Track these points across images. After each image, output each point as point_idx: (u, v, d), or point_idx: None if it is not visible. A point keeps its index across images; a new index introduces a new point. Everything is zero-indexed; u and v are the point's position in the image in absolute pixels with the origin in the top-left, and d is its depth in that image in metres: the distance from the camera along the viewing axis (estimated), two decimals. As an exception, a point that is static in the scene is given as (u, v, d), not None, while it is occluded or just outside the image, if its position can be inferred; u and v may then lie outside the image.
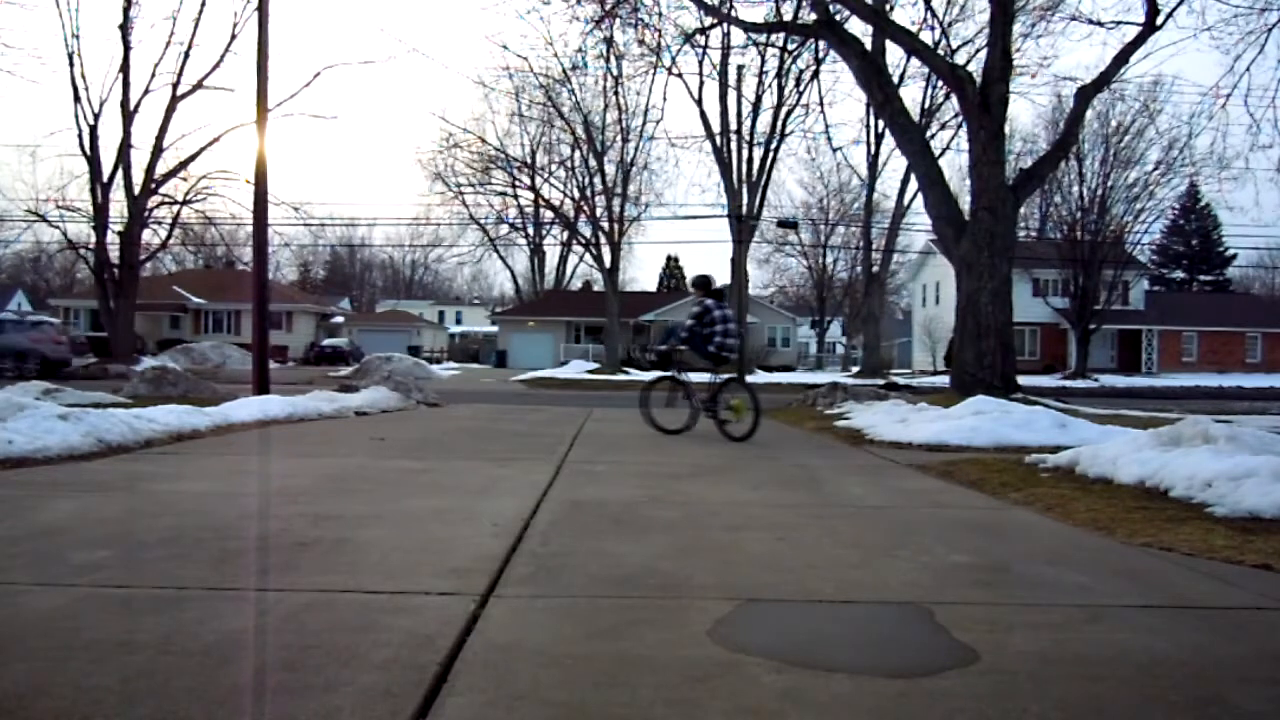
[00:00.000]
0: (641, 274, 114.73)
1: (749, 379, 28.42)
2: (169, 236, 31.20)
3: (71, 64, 28.22)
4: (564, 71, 33.99)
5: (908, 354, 55.62)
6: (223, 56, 28.29)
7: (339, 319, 60.53)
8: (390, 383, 14.35)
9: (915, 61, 26.80)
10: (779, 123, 35.97)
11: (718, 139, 36.44)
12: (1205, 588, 3.21)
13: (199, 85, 27.81)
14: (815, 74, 28.26)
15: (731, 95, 35.76)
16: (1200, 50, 38.10)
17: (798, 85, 33.56)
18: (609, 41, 22.11)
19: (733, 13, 19.65)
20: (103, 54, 71.08)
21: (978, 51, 25.57)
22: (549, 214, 45.82)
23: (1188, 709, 2.05)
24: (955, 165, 46.17)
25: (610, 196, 39.57)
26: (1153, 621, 2.74)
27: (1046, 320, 42.85)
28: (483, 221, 48.58)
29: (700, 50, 30.91)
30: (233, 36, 26.92)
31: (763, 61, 35.17)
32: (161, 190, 29.00)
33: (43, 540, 3.51)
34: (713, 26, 21.55)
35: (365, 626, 2.47)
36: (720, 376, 8.89)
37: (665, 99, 39.09)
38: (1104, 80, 16.64)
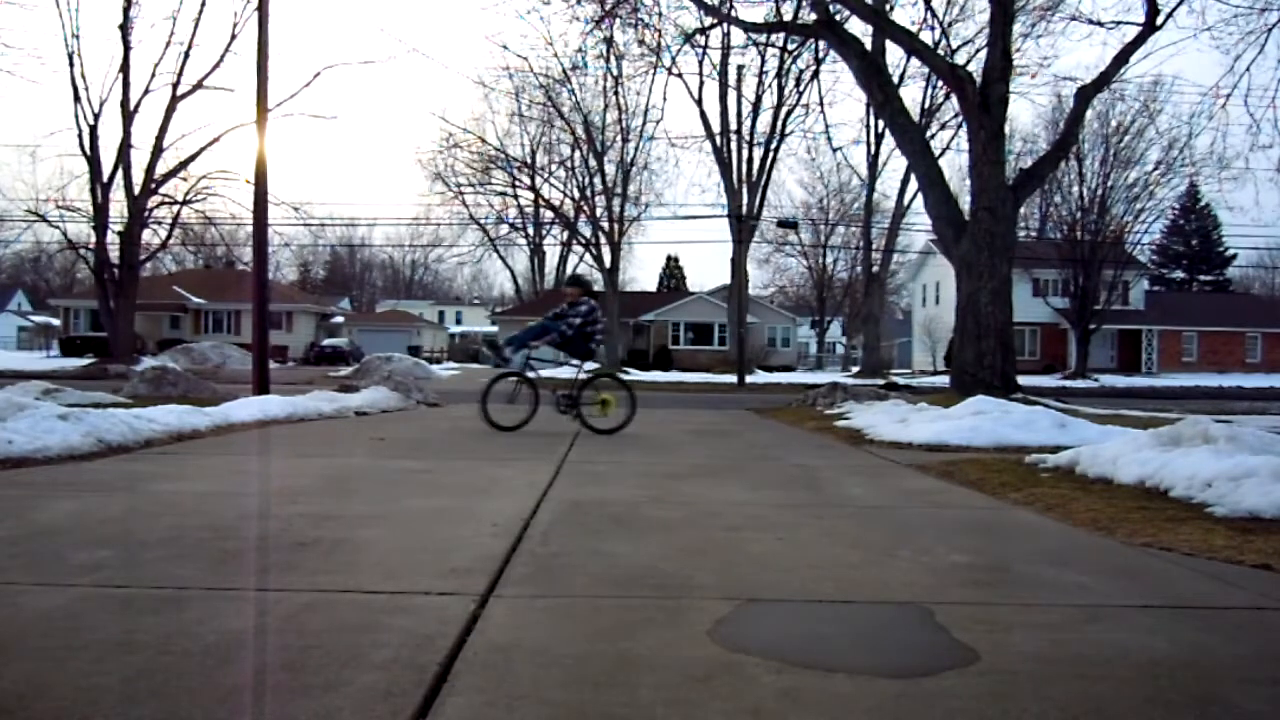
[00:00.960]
0: (641, 274, 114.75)
1: (749, 379, 28.22)
2: (169, 236, 31.26)
3: (71, 64, 28.29)
4: (564, 71, 34.08)
5: (908, 354, 55.62)
6: (223, 56, 28.33)
7: (339, 319, 60.55)
8: (390, 383, 14.35)
9: (915, 61, 26.82)
10: (779, 123, 36.06)
11: (718, 139, 36.50)
12: (1205, 588, 3.21)
13: (199, 85, 27.84)
14: (815, 74, 28.34)
15: (731, 95, 35.87)
16: (1200, 50, 38.14)
17: (798, 85, 33.67)
18: (609, 41, 22.16)
19: (733, 13, 19.67)
20: (103, 54, 71.08)
21: (978, 51, 25.64)
22: (549, 214, 45.89)
23: (1188, 709, 2.04)
24: (955, 165, 46.18)
25: (610, 196, 39.61)
26: (1153, 621, 2.74)
27: (1046, 320, 42.87)
28: (483, 221, 48.67)
29: (700, 50, 31.01)
30: (233, 36, 26.98)
31: (763, 61, 35.28)
32: (161, 190, 29.06)
33: (43, 540, 3.51)
34: (713, 26, 21.57)
35: (365, 626, 2.46)
36: (584, 373, 9.03)
37: (665, 99, 39.29)
38: (1104, 80, 16.65)
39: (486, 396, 8.96)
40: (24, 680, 2.03)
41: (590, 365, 9.26)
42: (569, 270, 58.23)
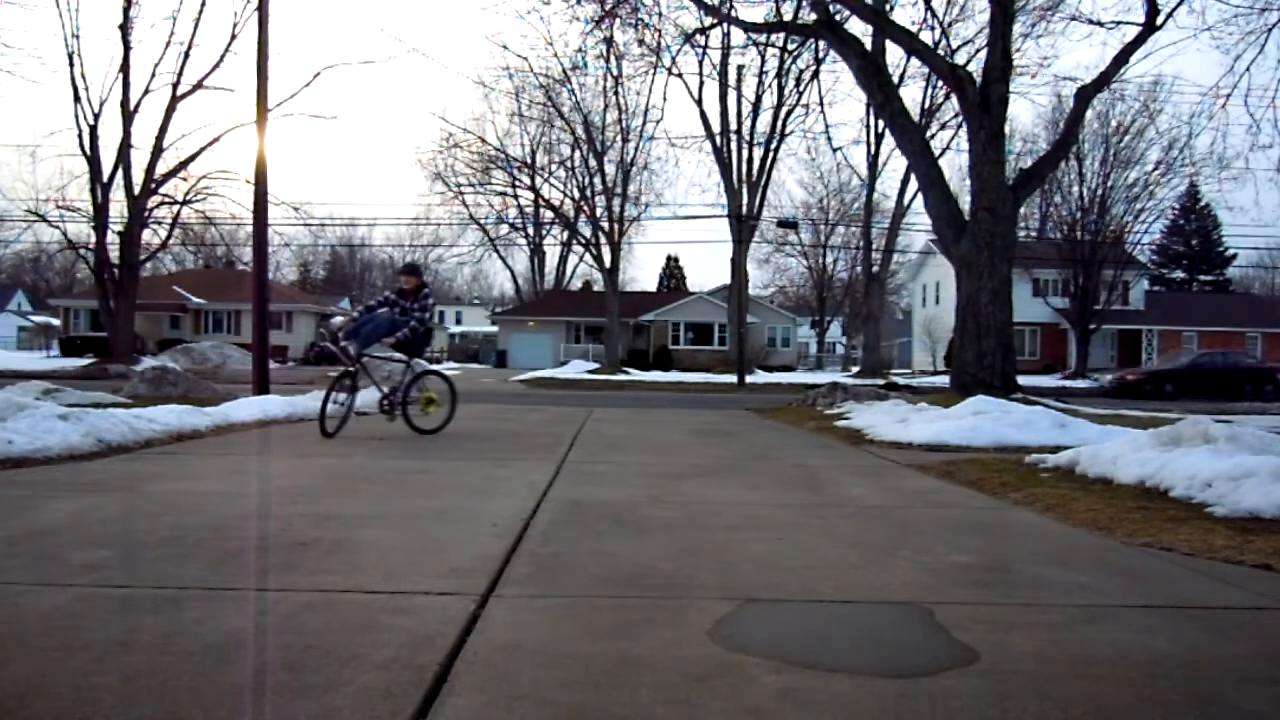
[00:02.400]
0: (641, 274, 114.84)
1: (749, 379, 28.05)
2: (169, 236, 31.26)
3: (71, 64, 28.27)
4: (564, 71, 34.05)
5: (908, 354, 55.62)
6: (223, 56, 28.32)
7: (339, 319, 60.42)
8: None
9: (915, 61, 26.81)
10: (779, 123, 36.05)
11: (718, 139, 36.49)
12: (1205, 588, 3.21)
13: (199, 85, 27.82)
14: (815, 74, 28.28)
15: (731, 95, 35.87)
16: (1200, 50, 38.24)
17: (798, 85, 33.64)
18: (609, 41, 22.12)
19: (733, 13, 19.65)
20: (103, 54, 71.16)
21: (978, 51, 25.63)
22: (549, 214, 45.86)
23: (1188, 709, 2.05)
24: (955, 165, 46.30)
25: (610, 196, 39.58)
26: (1153, 621, 2.74)
27: (1046, 320, 42.87)
28: (483, 221, 48.65)
29: (700, 50, 30.99)
30: (233, 36, 26.95)
31: (763, 61, 35.27)
32: (161, 190, 29.04)
33: (43, 540, 3.51)
34: (713, 26, 21.54)
35: (365, 626, 2.47)
36: (412, 370, 8.41)
37: (665, 99, 39.31)
38: (1104, 80, 16.63)
39: (327, 402, 7.90)
40: (24, 680, 2.03)
41: (420, 363, 8.65)
42: (569, 269, 58.26)
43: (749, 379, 29.97)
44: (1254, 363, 27.89)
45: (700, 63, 34.47)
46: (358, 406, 8.58)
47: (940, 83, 27.35)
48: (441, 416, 8.46)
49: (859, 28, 18.67)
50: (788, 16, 20.32)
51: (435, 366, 9.58)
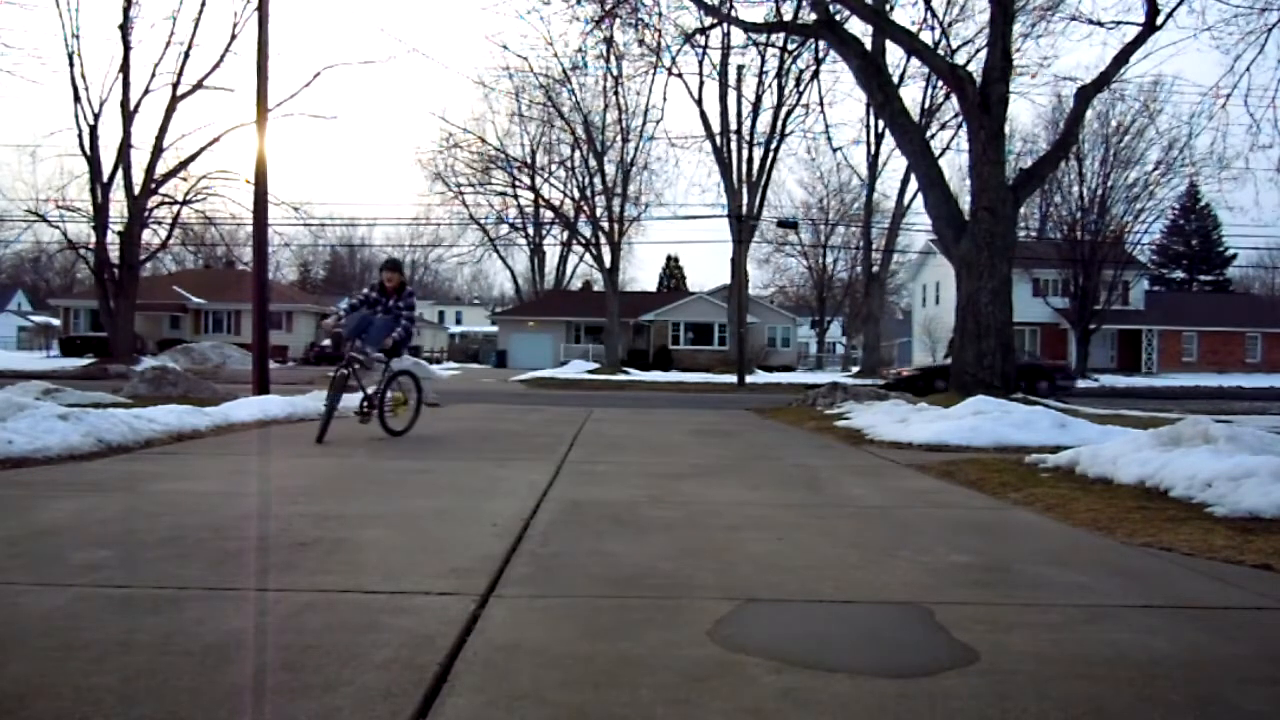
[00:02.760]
0: (641, 274, 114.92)
1: (749, 379, 27.78)
2: (169, 236, 31.29)
3: (71, 64, 28.34)
4: (564, 71, 34.07)
5: (908, 354, 55.58)
6: (223, 56, 28.38)
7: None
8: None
9: (915, 61, 26.81)
10: (779, 123, 36.09)
11: (718, 139, 36.52)
12: (1205, 588, 3.21)
13: (199, 85, 27.85)
14: (815, 74, 28.29)
15: (731, 95, 35.92)
16: (1200, 50, 38.22)
17: (798, 85, 33.68)
18: (609, 41, 22.11)
19: (733, 13, 19.63)
20: (103, 54, 71.22)
21: (978, 51, 25.66)
22: (549, 214, 45.88)
23: (1188, 709, 2.04)
24: (955, 165, 46.36)
25: (610, 196, 39.60)
26: (1153, 621, 2.74)
27: (1046, 320, 42.87)
28: (483, 221, 48.68)
29: (700, 50, 31.01)
30: (233, 36, 26.98)
31: (763, 61, 35.31)
32: (161, 190, 29.08)
33: (43, 540, 3.51)
34: (713, 26, 21.53)
35: (365, 626, 2.47)
36: (390, 370, 8.23)
37: (665, 99, 39.42)
38: (1104, 80, 16.62)
39: (334, 407, 7.85)
40: (24, 680, 2.03)
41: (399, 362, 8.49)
42: (569, 269, 58.24)
43: (749, 379, 29.98)
44: (1031, 359, 30.01)
45: (700, 63, 34.54)
46: (357, 405, 8.57)
47: (940, 83, 27.34)
48: (409, 416, 8.44)
49: (859, 28, 18.67)
50: (788, 16, 20.30)
51: (408, 365, 9.35)
